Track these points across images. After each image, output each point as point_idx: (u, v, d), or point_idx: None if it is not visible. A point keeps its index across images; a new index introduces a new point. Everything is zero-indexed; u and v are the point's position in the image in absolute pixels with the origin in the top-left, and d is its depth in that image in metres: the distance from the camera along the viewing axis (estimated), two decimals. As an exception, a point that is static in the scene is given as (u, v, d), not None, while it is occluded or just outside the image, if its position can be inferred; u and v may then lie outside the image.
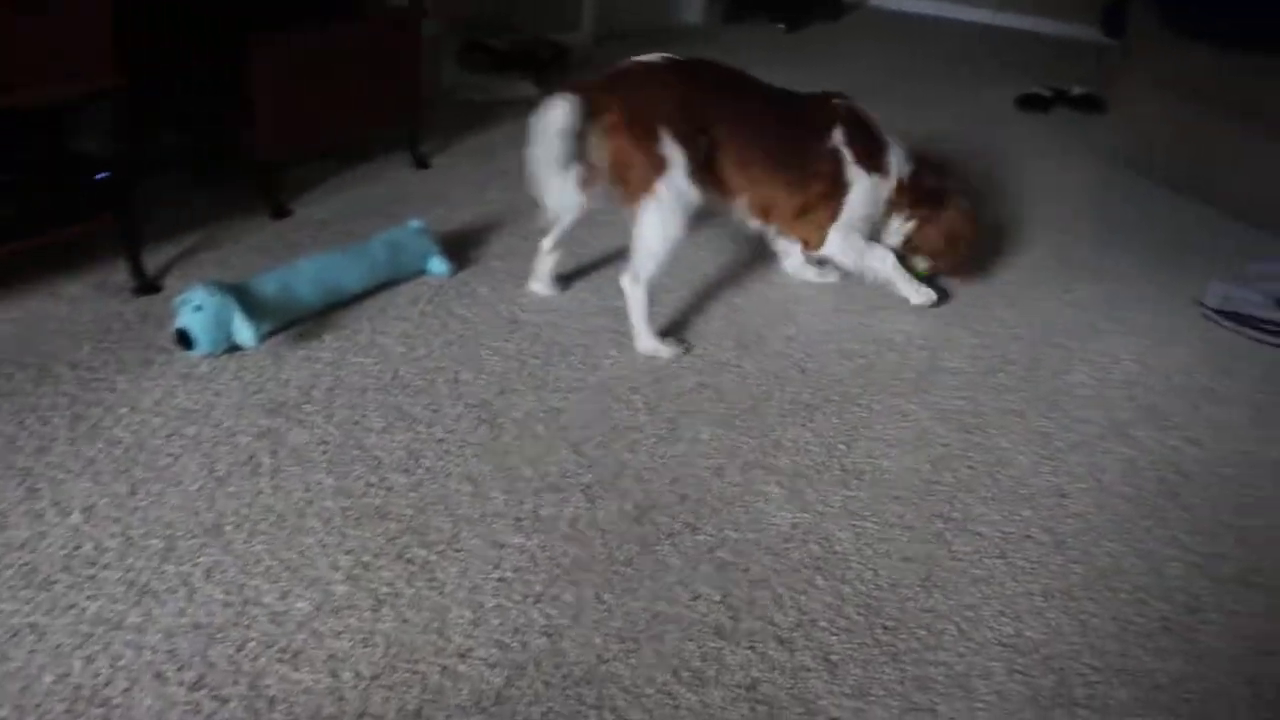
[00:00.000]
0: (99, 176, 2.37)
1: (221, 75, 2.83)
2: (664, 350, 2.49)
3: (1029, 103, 5.07)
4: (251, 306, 2.25)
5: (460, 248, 2.84)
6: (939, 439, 2.21)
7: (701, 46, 5.71)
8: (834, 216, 2.68)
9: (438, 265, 2.67)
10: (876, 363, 2.48)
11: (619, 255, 2.92)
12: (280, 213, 2.97)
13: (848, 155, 2.65)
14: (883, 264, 2.76)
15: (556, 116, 2.36)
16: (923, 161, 2.79)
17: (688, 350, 2.51)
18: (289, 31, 2.86)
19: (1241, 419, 2.40)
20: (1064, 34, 7.25)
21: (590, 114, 2.38)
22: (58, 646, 1.52)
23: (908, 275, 2.79)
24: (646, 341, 2.49)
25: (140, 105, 2.93)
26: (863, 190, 2.67)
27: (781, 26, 6.63)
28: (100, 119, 2.34)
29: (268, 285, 2.32)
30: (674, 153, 2.39)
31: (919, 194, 2.74)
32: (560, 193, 2.43)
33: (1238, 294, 3.00)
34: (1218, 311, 2.88)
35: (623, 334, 2.48)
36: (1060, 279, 3.05)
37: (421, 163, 3.46)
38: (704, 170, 2.51)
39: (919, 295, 2.78)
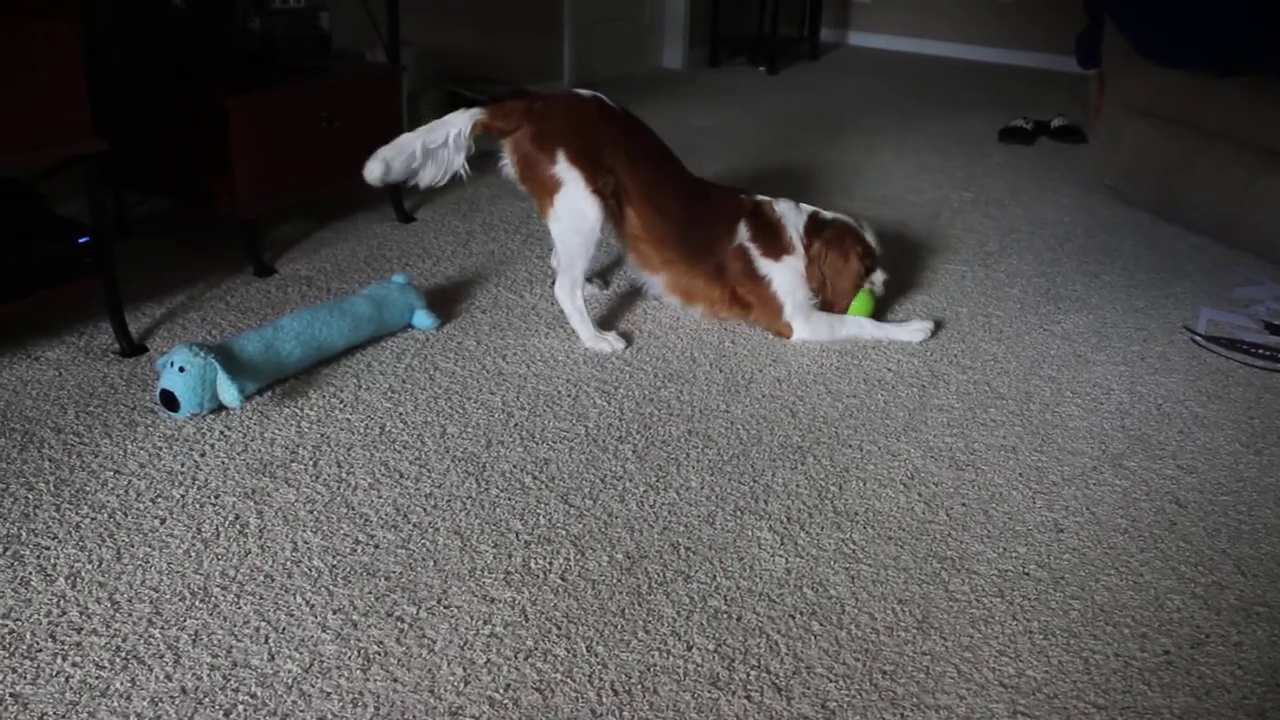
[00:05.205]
0: (80, 239, 2.36)
1: (201, 136, 2.83)
2: (606, 345, 2.64)
3: (1011, 135, 5.11)
4: (235, 366, 2.23)
5: (445, 301, 2.84)
6: (931, 477, 2.19)
7: (686, 92, 5.78)
8: (777, 307, 2.74)
9: (423, 319, 2.66)
10: (867, 402, 2.47)
11: (606, 302, 2.92)
12: (264, 271, 2.96)
13: (754, 250, 2.71)
14: (860, 330, 2.79)
15: (458, 123, 2.56)
16: (814, 212, 2.81)
17: (629, 344, 2.66)
18: (265, 91, 2.86)
19: (1235, 445, 2.38)
20: (1042, 66, 7.34)
21: (501, 131, 2.57)
22: (42, 716, 1.49)
23: (886, 325, 2.81)
24: (589, 341, 2.65)
25: (120, 168, 2.94)
26: (782, 276, 2.73)
27: (763, 69, 6.69)
28: (80, 182, 2.33)
29: (251, 344, 2.30)
30: (570, 173, 2.52)
31: (810, 237, 2.77)
32: (387, 171, 2.54)
33: (1226, 319, 3.01)
34: (1207, 338, 2.88)
35: (609, 383, 2.47)
36: (1048, 310, 3.05)
37: (405, 217, 3.46)
38: (620, 229, 2.66)
39: (914, 334, 2.79)
